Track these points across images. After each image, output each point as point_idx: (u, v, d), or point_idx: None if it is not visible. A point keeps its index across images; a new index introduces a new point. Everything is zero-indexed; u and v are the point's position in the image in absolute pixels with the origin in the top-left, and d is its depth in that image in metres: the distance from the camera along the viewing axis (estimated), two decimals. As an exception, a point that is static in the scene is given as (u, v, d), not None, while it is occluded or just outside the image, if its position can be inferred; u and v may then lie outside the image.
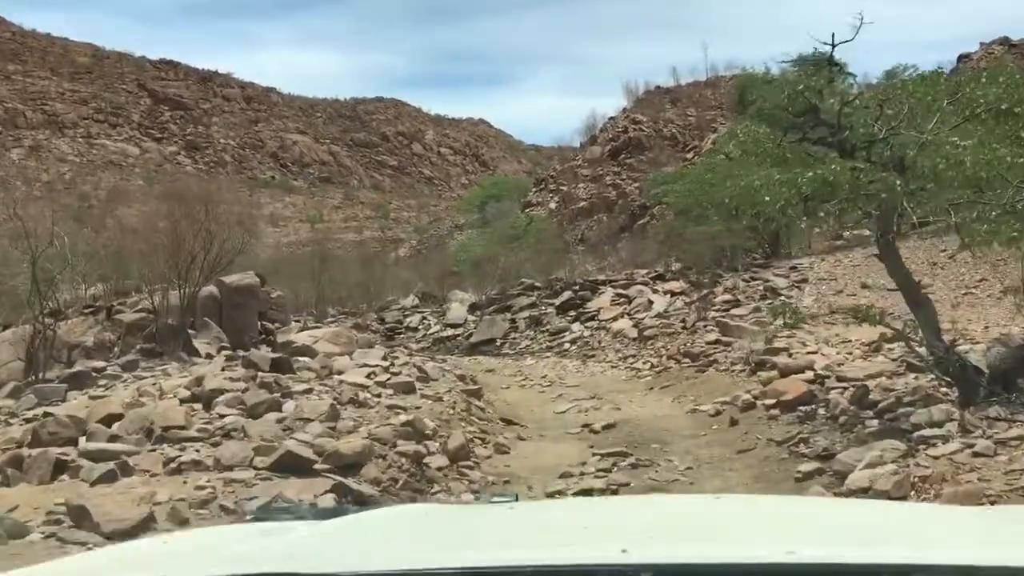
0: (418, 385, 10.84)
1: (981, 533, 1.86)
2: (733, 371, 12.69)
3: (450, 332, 22.14)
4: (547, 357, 18.79)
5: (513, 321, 21.49)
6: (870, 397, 9.13)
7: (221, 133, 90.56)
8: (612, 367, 16.31)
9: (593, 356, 17.72)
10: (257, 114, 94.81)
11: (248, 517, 2.62)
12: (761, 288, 19.71)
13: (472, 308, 22.67)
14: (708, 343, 15.25)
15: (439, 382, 11.60)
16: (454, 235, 48.96)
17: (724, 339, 15.26)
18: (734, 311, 17.90)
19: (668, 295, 20.13)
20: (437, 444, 8.85)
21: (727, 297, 18.87)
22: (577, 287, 21.92)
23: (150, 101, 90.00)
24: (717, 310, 18.02)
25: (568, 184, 44.46)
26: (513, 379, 15.97)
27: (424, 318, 23.30)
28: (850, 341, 12.84)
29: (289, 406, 8.59)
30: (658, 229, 27.55)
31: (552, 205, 43.80)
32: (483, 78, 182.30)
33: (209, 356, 12.01)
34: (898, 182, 7.92)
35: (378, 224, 74.81)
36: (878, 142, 8.50)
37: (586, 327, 19.80)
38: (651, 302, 19.88)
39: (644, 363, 15.78)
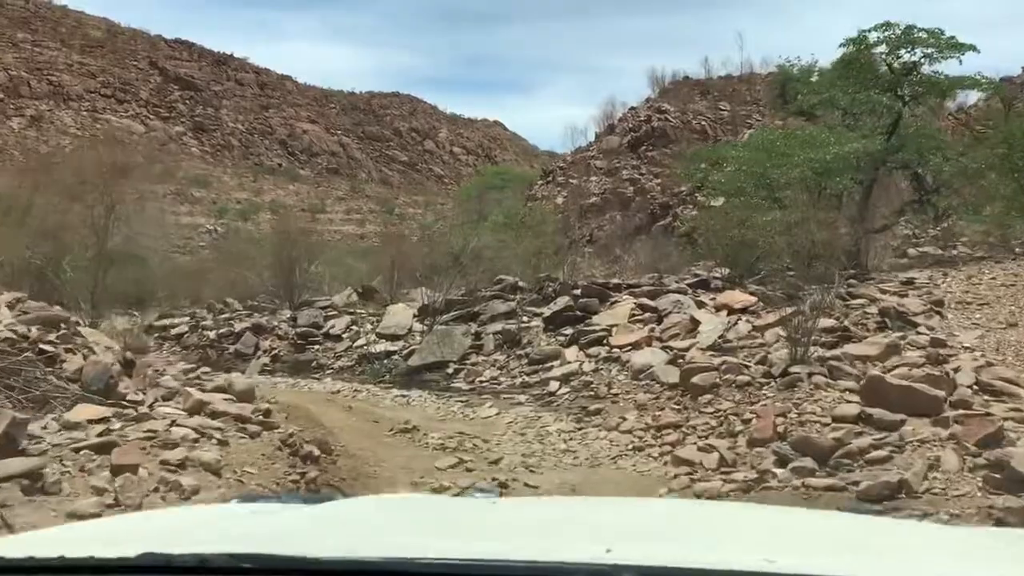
0: None
1: (960, 550, 1.73)
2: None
3: (384, 346, 13.69)
4: (519, 403, 10.33)
5: (478, 336, 13.05)
6: None
7: (230, 116, 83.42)
8: (634, 446, 7.72)
9: (598, 413, 9.21)
10: (269, 100, 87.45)
11: (234, 500, 2.25)
12: (875, 311, 11.23)
13: (422, 313, 14.21)
14: (840, 420, 6.74)
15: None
16: (456, 232, 41.51)
17: (873, 414, 6.73)
18: (850, 348, 9.42)
19: (724, 312, 11.60)
20: None
21: (828, 323, 10.34)
22: (579, 292, 13.43)
23: (160, 79, 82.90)
24: (818, 344, 9.54)
25: (579, 177, 36.01)
26: (440, 456, 7.54)
27: (353, 322, 14.84)
28: None
29: None
30: (697, 221, 18.84)
31: (559, 200, 35.37)
32: (502, 83, 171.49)
33: None
34: None
35: (382, 219, 68.15)
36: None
37: (588, 356, 11.27)
38: (696, 322, 11.35)
39: (704, 447, 7.17)
